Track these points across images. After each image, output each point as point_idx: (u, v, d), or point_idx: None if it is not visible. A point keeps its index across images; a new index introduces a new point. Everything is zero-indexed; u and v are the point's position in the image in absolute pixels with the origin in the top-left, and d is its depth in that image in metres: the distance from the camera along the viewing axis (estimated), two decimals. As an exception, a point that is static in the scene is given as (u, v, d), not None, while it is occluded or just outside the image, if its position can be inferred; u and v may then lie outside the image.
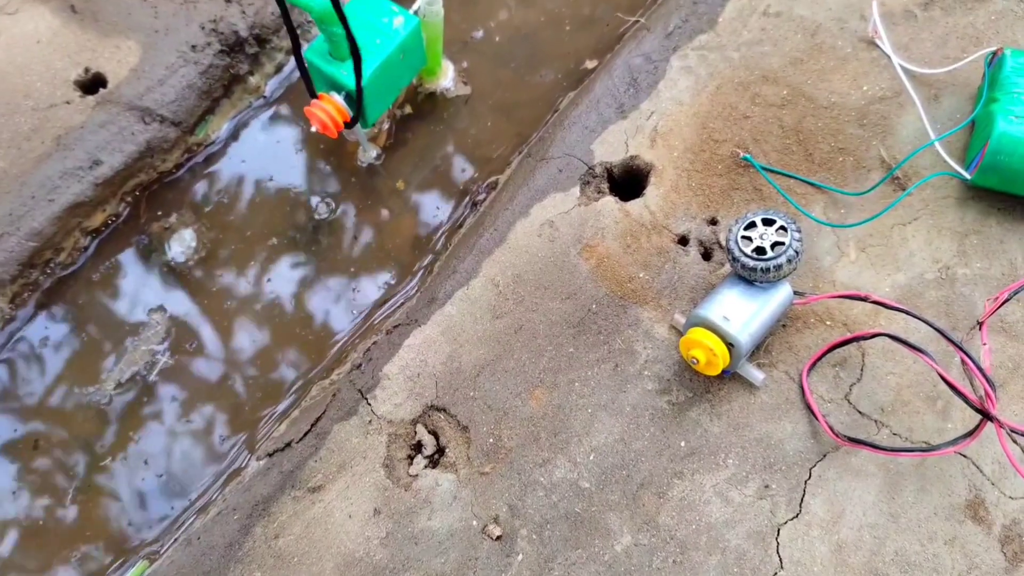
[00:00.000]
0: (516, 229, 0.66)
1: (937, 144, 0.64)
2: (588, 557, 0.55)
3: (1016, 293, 0.54)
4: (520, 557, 0.56)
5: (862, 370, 0.59)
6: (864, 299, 0.57)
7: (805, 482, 0.56)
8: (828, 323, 0.61)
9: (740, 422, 0.58)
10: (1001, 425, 0.51)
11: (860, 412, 0.58)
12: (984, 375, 0.51)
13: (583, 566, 0.55)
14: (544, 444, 0.59)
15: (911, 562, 0.53)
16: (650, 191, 0.67)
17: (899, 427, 0.57)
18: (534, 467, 0.58)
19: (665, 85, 0.70)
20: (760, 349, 0.60)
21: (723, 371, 0.57)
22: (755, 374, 0.58)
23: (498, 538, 0.56)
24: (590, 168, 0.68)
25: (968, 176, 0.63)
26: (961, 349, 0.52)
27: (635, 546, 0.55)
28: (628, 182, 0.69)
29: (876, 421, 0.58)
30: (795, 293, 0.60)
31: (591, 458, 0.58)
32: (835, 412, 0.58)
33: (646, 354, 0.61)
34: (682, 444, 0.58)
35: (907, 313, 0.54)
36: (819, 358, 0.59)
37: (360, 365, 0.63)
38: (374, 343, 0.65)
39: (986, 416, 0.51)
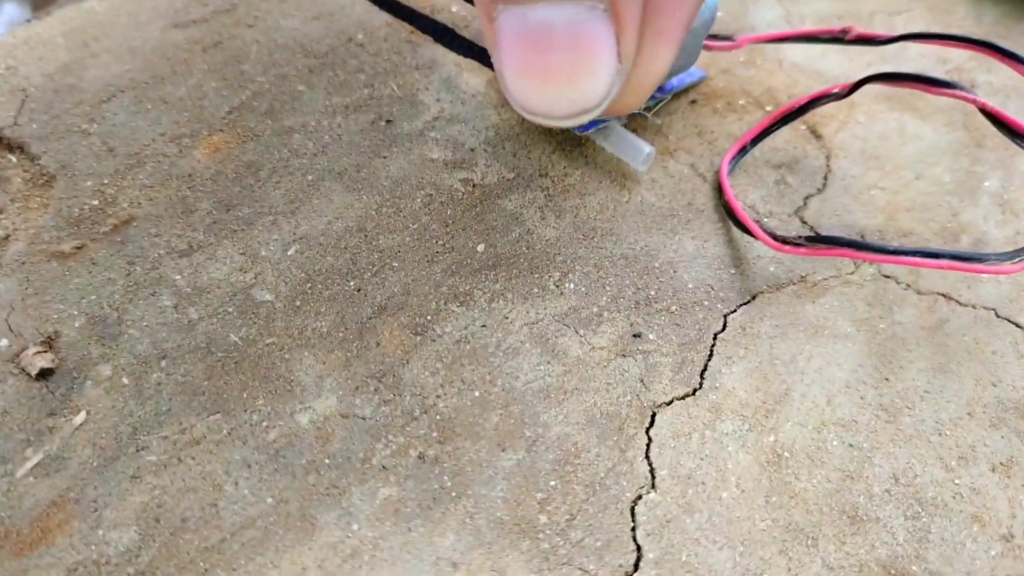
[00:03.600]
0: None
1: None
2: (225, 436, 0.30)
3: None
4: (81, 418, 0.30)
5: (826, 178, 0.39)
6: (844, 34, 0.38)
7: (715, 336, 0.33)
8: (742, 102, 0.41)
9: (597, 227, 0.36)
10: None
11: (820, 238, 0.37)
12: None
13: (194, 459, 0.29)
14: (201, 219, 0.35)
15: (926, 501, 0.30)
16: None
17: (896, 267, 0.36)
18: (165, 255, 0.34)
19: None
20: (650, 119, 0.39)
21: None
22: (635, 142, 0.37)
23: (39, 376, 0.30)
24: None
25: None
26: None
27: (323, 434, 0.30)
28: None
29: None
30: (718, 38, 0.40)
31: (290, 252, 0.34)
32: (777, 230, 0.36)
33: (438, 109, 0.40)
34: (479, 249, 0.35)
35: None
36: (754, 139, 0.38)
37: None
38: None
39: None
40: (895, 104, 0.42)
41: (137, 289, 0.33)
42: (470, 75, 0.41)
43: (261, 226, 0.35)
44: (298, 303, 0.33)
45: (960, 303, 0.35)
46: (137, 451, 0.29)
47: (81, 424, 0.30)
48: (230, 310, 0.33)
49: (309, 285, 0.34)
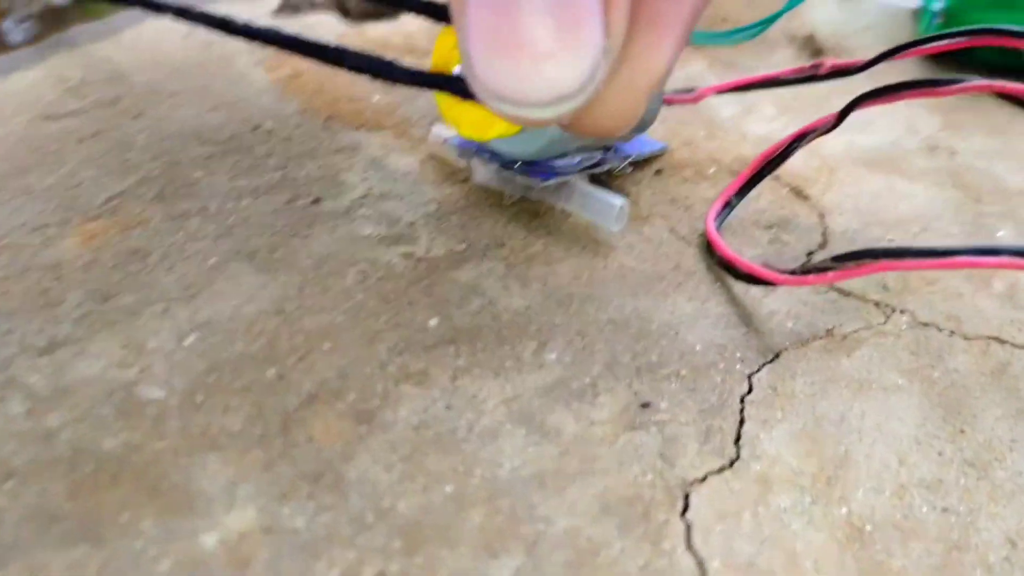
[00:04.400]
0: (148, 28, 0.43)
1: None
2: None
3: None
4: None
5: (824, 234, 0.35)
6: (816, 68, 0.36)
7: (742, 399, 0.28)
8: (713, 170, 0.38)
9: (574, 293, 0.31)
10: None
11: (839, 289, 0.32)
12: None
13: None
14: (68, 312, 0.28)
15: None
16: (409, 18, 0.46)
17: (926, 312, 0.31)
18: (18, 353, 0.27)
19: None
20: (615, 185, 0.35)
21: (542, 170, 0.32)
22: (604, 197, 0.33)
23: None
24: (305, -10, 0.48)
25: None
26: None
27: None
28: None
29: (878, 304, 0.32)
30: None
31: (186, 342, 0.28)
32: (783, 291, 0.32)
33: (366, 187, 0.35)
34: (431, 324, 0.29)
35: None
36: (739, 191, 0.35)
37: None
38: None
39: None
40: (877, 168, 0.39)
41: (-24, 395, 0.26)
42: (399, 156, 0.37)
43: (149, 315, 0.28)
44: (199, 398, 0.26)
45: (1015, 345, 0.30)
46: (-39, 605, 0.21)
47: None
48: (105, 412, 0.25)
49: (214, 376, 0.27)
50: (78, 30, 0.43)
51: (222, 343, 0.28)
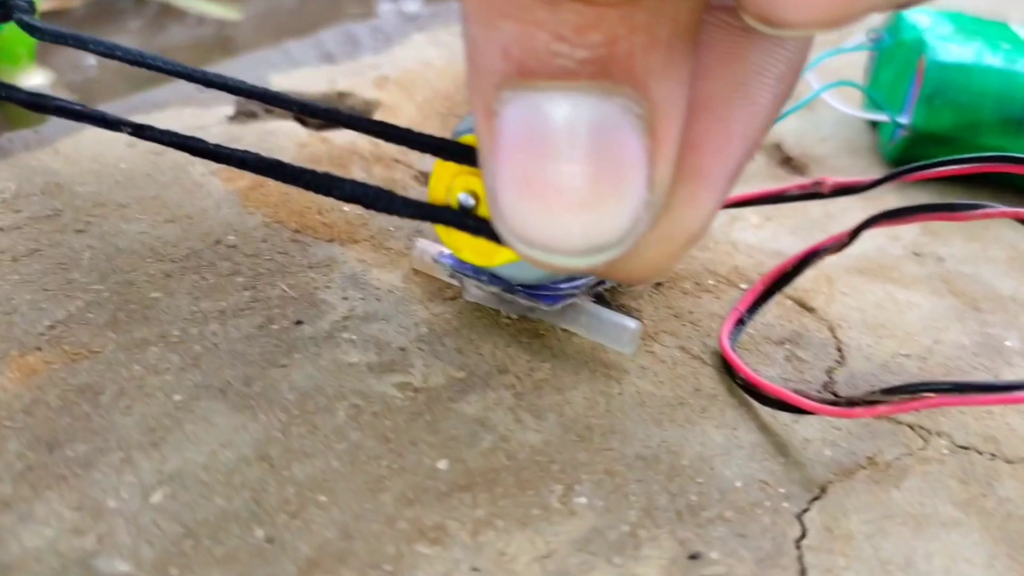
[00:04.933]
0: (88, 136, 0.38)
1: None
2: None
3: None
4: None
5: (840, 350, 0.33)
6: (819, 186, 0.34)
7: (798, 545, 0.25)
8: (712, 282, 0.36)
9: (593, 425, 0.28)
10: None
11: (869, 411, 0.30)
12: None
13: None
14: (7, 466, 0.24)
15: None
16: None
17: (963, 435, 0.29)
18: (-53, 522, 0.22)
19: (404, 47, 0.53)
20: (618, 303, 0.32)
21: (547, 293, 0.29)
22: (616, 319, 0.30)
23: None
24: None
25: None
26: None
27: None
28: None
29: (912, 427, 0.30)
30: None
31: (154, 499, 0.23)
32: (813, 416, 0.29)
33: (347, 308, 0.31)
34: (440, 467, 0.25)
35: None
36: (750, 308, 0.32)
37: None
38: None
39: None
40: (872, 277, 0.38)
41: None
42: (380, 271, 0.33)
43: (105, 467, 0.24)
44: (173, 572, 0.21)
45: (1060, 467, 0.28)
46: None
47: None
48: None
49: (190, 542, 0.22)
50: (6, 138, 0.39)
51: (197, 499, 0.23)
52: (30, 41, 0.51)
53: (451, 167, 0.27)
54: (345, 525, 0.23)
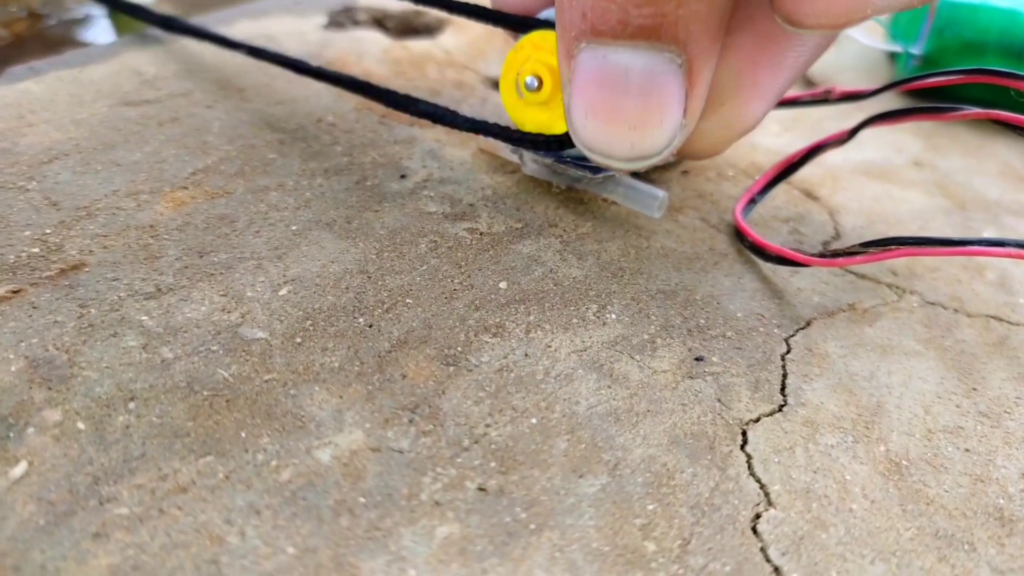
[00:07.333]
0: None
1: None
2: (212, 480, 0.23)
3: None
4: (20, 470, 0.23)
5: (836, 229, 0.38)
6: (828, 94, 0.39)
7: (783, 357, 0.30)
8: (732, 173, 0.41)
9: (624, 267, 0.33)
10: None
11: (854, 273, 0.35)
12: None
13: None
14: (169, 264, 0.30)
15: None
16: (446, 37, 0.49)
17: (932, 294, 0.34)
18: (127, 297, 0.28)
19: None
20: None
21: (593, 165, 0.34)
22: (647, 189, 0.35)
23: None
24: (347, 9, 0.50)
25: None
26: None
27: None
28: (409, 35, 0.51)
29: (890, 286, 0.35)
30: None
31: (281, 292, 0.29)
32: (807, 273, 0.35)
33: (426, 173, 0.37)
34: (501, 286, 0.31)
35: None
36: (762, 189, 0.37)
37: None
38: None
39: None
40: (873, 177, 0.42)
41: (92, 331, 0.27)
42: (453, 148, 0.39)
43: (243, 270, 0.30)
44: (299, 340, 0.28)
45: (1011, 323, 0.33)
46: (101, 504, 0.22)
47: (21, 477, 0.22)
48: (215, 348, 0.27)
49: (310, 323, 0.28)
50: (120, 42, 0.45)
51: (314, 295, 0.29)
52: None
53: (520, 56, 0.32)
54: (427, 319, 0.29)
